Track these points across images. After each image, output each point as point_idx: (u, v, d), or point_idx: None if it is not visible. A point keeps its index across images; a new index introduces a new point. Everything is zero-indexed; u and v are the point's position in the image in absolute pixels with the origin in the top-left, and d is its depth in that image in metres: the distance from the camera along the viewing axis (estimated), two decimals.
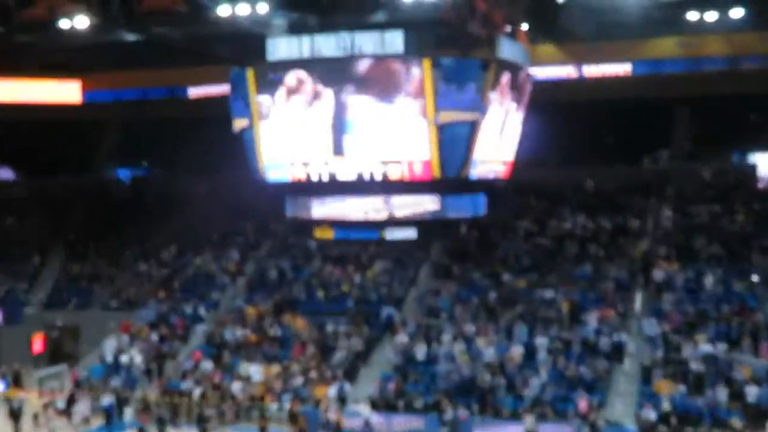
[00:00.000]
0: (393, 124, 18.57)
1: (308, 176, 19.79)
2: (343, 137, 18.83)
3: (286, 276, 32.22)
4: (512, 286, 28.86)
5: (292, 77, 18.96)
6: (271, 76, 18.92)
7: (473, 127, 18.66)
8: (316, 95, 19.20)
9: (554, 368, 24.91)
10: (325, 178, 19.55)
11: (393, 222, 19.96)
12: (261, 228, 35.55)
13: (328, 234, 20.81)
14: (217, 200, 38.07)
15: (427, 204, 19.68)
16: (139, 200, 38.84)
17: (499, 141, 20.28)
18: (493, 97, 18.86)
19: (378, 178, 19.09)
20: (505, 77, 19.30)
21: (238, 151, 21.73)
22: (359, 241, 30.57)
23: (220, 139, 26.02)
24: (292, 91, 19.12)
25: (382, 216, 19.86)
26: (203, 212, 37.78)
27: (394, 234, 20.18)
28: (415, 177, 18.86)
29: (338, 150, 19.05)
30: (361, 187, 19.60)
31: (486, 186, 20.65)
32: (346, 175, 19.33)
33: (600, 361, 24.63)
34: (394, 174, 19.00)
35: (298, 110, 19.06)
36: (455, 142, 18.67)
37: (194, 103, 33.51)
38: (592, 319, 26.38)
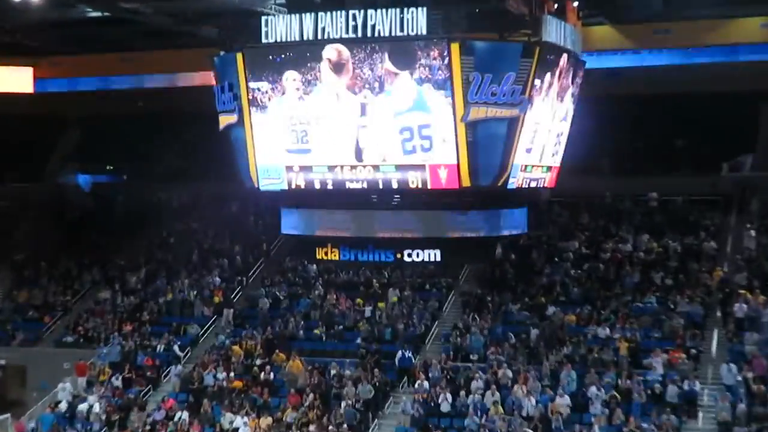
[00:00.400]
0: (412, 120, 18.98)
1: (310, 184, 20.28)
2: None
3: (280, 307, 32.32)
4: (559, 322, 28.83)
5: (331, 51, 18.93)
6: (272, 57, 19.29)
7: (512, 125, 18.90)
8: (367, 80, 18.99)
9: (610, 424, 24.87)
10: (331, 187, 20.06)
11: (413, 241, 20.38)
12: (251, 248, 35.82)
13: (333, 255, 21.19)
14: (198, 214, 38.48)
15: (453, 219, 20.22)
16: (101, 213, 39.19)
17: (543, 143, 20.55)
18: (537, 89, 19.10)
19: (394, 185, 19.55)
20: (552, 65, 19.56)
21: (224, 154, 21.95)
22: (371, 265, 30.89)
23: (202, 140, 26.54)
24: (337, 69, 19.07)
25: (399, 233, 20.38)
26: (180, 228, 38.19)
27: (414, 256, 20.56)
28: (440, 185, 19.17)
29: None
30: (373, 197, 20.21)
31: (527, 197, 21.09)
32: (356, 182, 19.93)
33: (667, 415, 24.53)
34: (414, 181, 19.40)
35: (320, 100, 19.35)
36: (490, 144, 18.97)
37: (171, 96, 33.62)
38: (657, 363, 26.33)
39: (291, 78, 19.63)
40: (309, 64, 19.23)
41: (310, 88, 19.39)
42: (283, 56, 19.35)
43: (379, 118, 19.18)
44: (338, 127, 19.61)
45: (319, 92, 19.39)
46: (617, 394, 25.44)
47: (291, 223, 21.45)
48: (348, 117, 19.39)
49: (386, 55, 18.65)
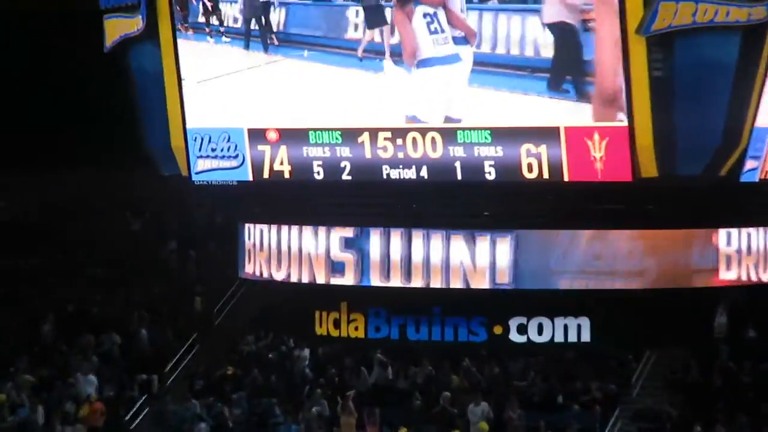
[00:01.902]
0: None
1: (303, 169, 20.59)
2: None
3: None
4: None
5: None
6: None
7: (751, 43, 19.14)
8: None
9: None
10: (349, 176, 20.57)
11: (528, 300, 20.66)
12: (170, 311, 35.65)
13: (354, 329, 21.51)
14: (55, 238, 38.25)
15: (619, 251, 20.53)
16: None
17: None
18: None
19: (488, 174, 20.03)
20: None
21: (114, 105, 22.48)
22: (435, 350, 30.40)
23: (67, 77, 26.81)
24: None
25: (500, 282, 20.61)
26: (13, 268, 37.61)
27: (531, 331, 20.87)
28: (592, 175, 19.67)
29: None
30: (439, 201, 20.91)
31: None
32: (403, 167, 20.35)
33: None
34: (532, 166, 19.86)
35: None
36: (701, 85, 19.25)
37: None
38: None
39: None
40: None
41: None
42: None
43: None
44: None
45: None
46: None
47: (259, 258, 21.87)
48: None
49: None
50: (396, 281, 21.06)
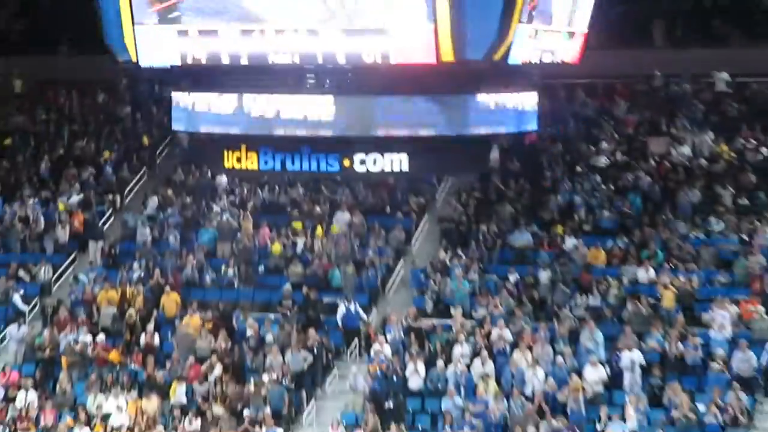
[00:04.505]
0: None
1: (215, 57, 20.60)
2: None
3: (168, 238, 32.36)
4: (582, 261, 29.02)
5: None
6: None
7: None
8: None
9: (654, 405, 25.47)
10: (246, 62, 20.44)
11: (368, 141, 20.89)
12: (127, 154, 36.35)
13: (250, 162, 21.62)
14: (46, 105, 38.65)
15: (428, 109, 20.68)
16: None
17: None
18: None
19: (340, 60, 19.95)
20: None
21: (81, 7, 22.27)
22: (306, 177, 31.08)
23: None
24: None
25: (347, 130, 20.76)
26: (19, 124, 38.18)
27: (369, 163, 21.07)
28: (410, 59, 19.65)
29: None
30: (307, 78, 20.90)
31: (539, 78, 21.73)
32: (283, 55, 20.21)
33: (736, 392, 25.05)
34: (370, 54, 19.81)
35: None
36: None
37: None
38: (720, 318, 26.61)
39: None
40: None
41: None
42: None
43: None
44: None
45: None
46: (661, 367, 26.34)
47: (186, 116, 21.83)
48: None
49: None
50: (276, 130, 20.82)
